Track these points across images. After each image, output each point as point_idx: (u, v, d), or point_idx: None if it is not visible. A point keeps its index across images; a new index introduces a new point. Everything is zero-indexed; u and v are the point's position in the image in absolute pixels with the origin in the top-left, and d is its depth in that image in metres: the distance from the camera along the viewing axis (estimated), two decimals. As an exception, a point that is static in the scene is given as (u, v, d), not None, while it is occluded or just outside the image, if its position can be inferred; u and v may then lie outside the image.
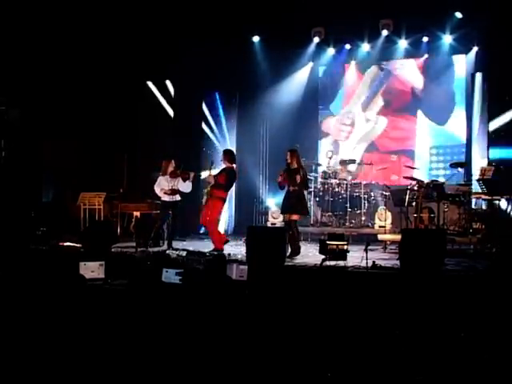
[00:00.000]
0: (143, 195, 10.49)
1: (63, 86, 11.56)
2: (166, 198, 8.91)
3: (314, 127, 13.37)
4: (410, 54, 12.21)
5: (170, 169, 9.03)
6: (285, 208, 8.63)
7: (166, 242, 9.02)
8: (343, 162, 12.04)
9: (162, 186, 8.94)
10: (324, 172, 12.03)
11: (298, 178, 8.34)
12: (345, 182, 11.62)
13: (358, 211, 11.54)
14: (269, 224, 11.60)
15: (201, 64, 11.41)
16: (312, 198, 11.89)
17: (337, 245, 7.30)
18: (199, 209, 9.27)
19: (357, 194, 11.59)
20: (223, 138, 13.26)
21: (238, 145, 12.71)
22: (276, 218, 11.65)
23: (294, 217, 8.52)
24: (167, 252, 8.00)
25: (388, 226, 10.52)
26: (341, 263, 7.24)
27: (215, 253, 8.13)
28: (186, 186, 8.98)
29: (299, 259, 8.07)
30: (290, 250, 8.25)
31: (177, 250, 8.11)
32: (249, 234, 7.78)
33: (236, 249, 9.08)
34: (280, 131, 12.62)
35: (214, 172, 9.01)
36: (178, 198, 8.99)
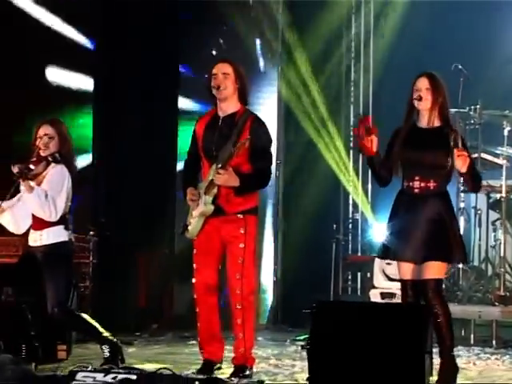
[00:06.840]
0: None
1: None
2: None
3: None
4: None
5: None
6: (408, 245, 6.05)
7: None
8: None
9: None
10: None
11: (448, 159, 5.67)
12: None
13: None
14: (375, 296, 9.16)
15: None
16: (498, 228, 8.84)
17: None
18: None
19: None
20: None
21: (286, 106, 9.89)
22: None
23: (436, 270, 5.95)
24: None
25: None
26: None
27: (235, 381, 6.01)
28: (34, 199, 6.63)
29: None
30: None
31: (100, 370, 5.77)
32: (316, 324, 5.40)
33: (279, 370, 6.79)
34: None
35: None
36: (46, 238, 6.69)
